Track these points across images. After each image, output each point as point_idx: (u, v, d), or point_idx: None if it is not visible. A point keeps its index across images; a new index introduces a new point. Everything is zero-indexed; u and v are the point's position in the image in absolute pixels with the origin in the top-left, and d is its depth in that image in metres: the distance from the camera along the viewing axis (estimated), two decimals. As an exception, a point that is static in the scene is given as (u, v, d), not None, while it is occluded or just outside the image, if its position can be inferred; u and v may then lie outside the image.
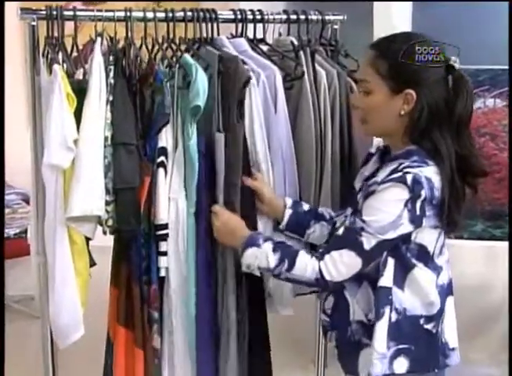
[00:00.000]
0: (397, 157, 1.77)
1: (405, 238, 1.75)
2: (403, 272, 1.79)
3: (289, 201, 2.02)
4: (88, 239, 1.97)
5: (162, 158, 1.95)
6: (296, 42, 2.14)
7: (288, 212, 2.01)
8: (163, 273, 2.00)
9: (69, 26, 1.98)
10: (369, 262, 1.76)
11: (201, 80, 1.88)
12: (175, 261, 2.00)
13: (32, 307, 3.70)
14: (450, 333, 1.89)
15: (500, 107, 3.32)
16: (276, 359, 2.18)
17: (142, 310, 2.00)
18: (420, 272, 1.80)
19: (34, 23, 1.94)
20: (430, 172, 1.71)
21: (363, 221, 1.72)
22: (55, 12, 1.94)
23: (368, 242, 1.72)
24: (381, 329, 1.78)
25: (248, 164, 1.99)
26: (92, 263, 2.05)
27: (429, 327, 1.83)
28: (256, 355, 2.09)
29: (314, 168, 2.10)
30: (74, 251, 1.92)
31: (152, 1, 4.03)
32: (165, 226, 1.97)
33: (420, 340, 1.82)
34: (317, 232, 2.03)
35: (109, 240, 2.03)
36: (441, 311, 1.85)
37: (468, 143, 1.78)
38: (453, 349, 1.89)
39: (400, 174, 1.69)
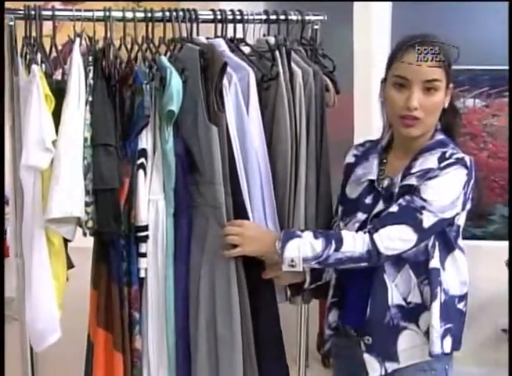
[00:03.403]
0: (432, 148, 1.84)
1: (451, 220, 1.83)
2: (446, 253, 1.86)
3: None
4: (66, 241, 1.96)
5: (142, 160, 1.94)
6: (272, 42, 2.12)
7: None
8: (142, 274, 1.98)
9: (47, 26, 1.96)
10: (421, 241, 1.80)
11: (175, 84, 1.87)
12: (153, 261, 1.98)
13: (12, 309, 3.66)
14: None
15: (480, 107, 3.34)
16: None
17: (121, 312, 1.99)
18: (459, 252, 1.88)
19: (11, 23, 1.92)
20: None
21: (424, 200, 1.77)
22: (33, 12, 1.93)
23: (428, 220, 1.77)
24: (436, 309, 1.84)
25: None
26: (70, 265, 2.04)
27: (460, 306, 1.91)
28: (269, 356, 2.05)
29: (289, 173, 2.07)
30: (52, 254, 1.90)
31: (131, 0, 4.00)
32: (145, 228, 1.96)
33: (456, 319, 1.90)
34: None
35: (90, 242, 2.01)
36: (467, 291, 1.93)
37: None
38: None
39: (455, 159, 1.79)
